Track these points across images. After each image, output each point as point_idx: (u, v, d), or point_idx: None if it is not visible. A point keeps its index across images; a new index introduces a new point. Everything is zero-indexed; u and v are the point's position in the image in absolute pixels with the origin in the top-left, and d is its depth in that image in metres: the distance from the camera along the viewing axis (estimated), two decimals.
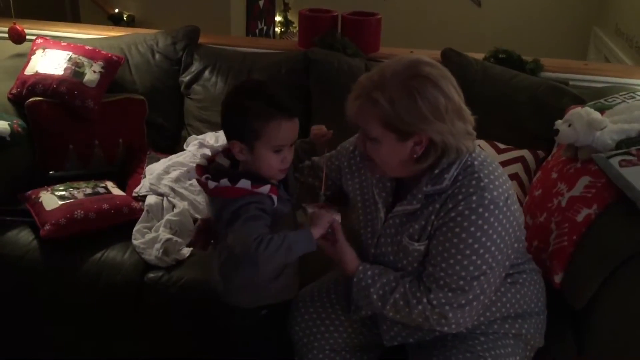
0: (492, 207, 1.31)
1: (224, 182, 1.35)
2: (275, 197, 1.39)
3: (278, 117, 1.35)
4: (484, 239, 1.32)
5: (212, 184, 1.37)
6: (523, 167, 2.11)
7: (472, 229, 1.31)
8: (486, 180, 1.33)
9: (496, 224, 1.32)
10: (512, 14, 5.11)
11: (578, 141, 1.78)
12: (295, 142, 1.43)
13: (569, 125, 1.78)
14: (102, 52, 2.47)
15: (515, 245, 1.43)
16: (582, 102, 2.15)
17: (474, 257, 1.33)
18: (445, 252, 1.35)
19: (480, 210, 1.31)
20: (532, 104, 2.24)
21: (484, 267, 1.34)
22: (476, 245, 1.32)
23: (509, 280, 1.49)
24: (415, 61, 1.32)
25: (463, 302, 1.35)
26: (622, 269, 1.55)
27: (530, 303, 1.54)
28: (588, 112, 1.77)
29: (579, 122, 1.76)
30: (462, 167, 1.35)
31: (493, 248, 1.33)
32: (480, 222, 1.31)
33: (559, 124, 1.83)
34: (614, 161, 1.64)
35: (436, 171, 1.37)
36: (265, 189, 1.37)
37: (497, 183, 1.34)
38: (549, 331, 1.59)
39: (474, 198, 1.31)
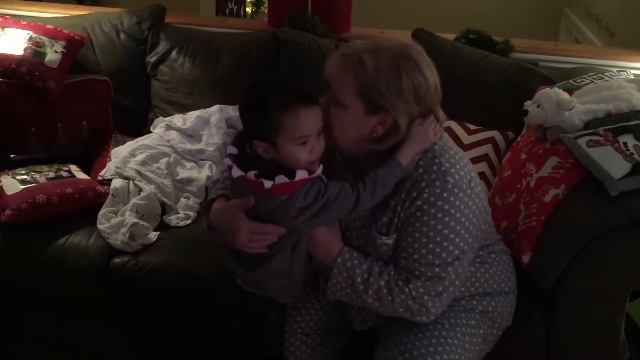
0: (456, 190, 1.31)
1: (280, 178, 1.24)
2: (323, 176, 1.31)
3: (295, 106, 1.24)
4: (452, 224, 1.31)
5: (268, 184, 1.24)
6: (493, 147, 2.11)
7: (440, 215, 1.31)
8: (447, 165, 1.32)
9: (462, 207, 1.32)
10: None
11: (547, 122, 1.78)
12: (321, 130, 1.31)
13: (538, 106, 1.78)
14: (64, 31, 2.40)
15: (483, 226, 1.43)
16: (551, 82, 2.15)
17: (445, 244, 1.32)
18: (416, 243, 1.34)
19: (445, 195, 1.30)
20: (502, 84, 2.24)
21: (456, 252, 1.33)
22: (446, 231, 1.31)
23: (477, 260, 1.50)
24: (411, 46, 1.32)
25: (440, 289, 1.35)
26: (589, 248, 1.56)
27: (500, 282, 1.54)
28: (557, 92, 1.77)
29: (547, 102, 1.76)
30: (422, 153, 1.34)
31: (463, 231, 1.33)
32: (447, 207, 1.30)
33: (528, 104, 1.83)
34: (582, 141, 1.65)
35: None
36: (319, 170, 1.29)
37: (458, 167, 1.33)
38: (517, 310, 1.60)
39: (437, 184, 1.30)
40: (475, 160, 2.06)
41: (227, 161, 1.31)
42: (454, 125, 2.17)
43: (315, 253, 1.43)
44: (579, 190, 1.65)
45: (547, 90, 1.81)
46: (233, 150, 1.33)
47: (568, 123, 1.75)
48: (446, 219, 1.31)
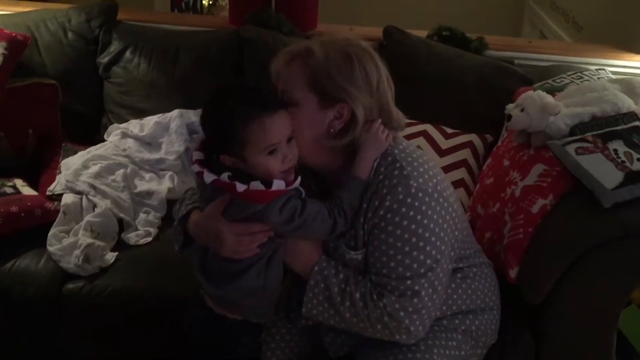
0: (420, 194, 1.22)
1: (256, 184, 1.17)
2: (301, 188, 1.23)
3: (259, 116, 1.17)
4: (420, 231, 1.23)
5: (240, 187, 1.17)
6: (472, 152, 2.03)
7: (405, 222, 1.22)
8: (409, 169, 1.24)
9: (430, 212, 1.23)
10: None
11: (531, 127, 1.69)
12: (291, 135, 1.24)
13: (522, 110, 1.69)
14: (5, 30, 2.23)
15: (457, 234, 1.34)
16: (529, 82, 2.10)
17: (415, 253, 1.23)
18: (384, 256, 1.25)
19: (409, 200, 1.22)
20: (478, 84, 2.17)
21: (428, 261, 1.24)
22: (414, 239, 1.23)
23: (458, 275, 1.41)
24: (357, 41, 1.28)
25: (419, 305, 1.26)
26: (581, 262, 1.49)
27: (484, 298, 1.46)
28: (541, 96, 1.68)
29: (532, 106, 1.67)
30: (382, 157, 1.28)
31: (433, 239, 1.24)
32: (412, 213, 1.22)
33: (511, 108, 1.74)
34: (570, 149, 1.57)
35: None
36: (297, 182, 1.22)
37: (421, 170, 1.25)
38: (505, 326, 1.52)
39: (400, 189, 1.22)
40: (454, 166, 1.99)
41: (195, 168, 1.23)
42: (429, 128, 2.08)
43: (293, 262, 1.34)
44: (568, 201, 1.57)
45: (530, 93, 1.72)
46: (199, 155, 1.25)
47: (553, 128, 1.67)
48: (413, 227, 1.22)
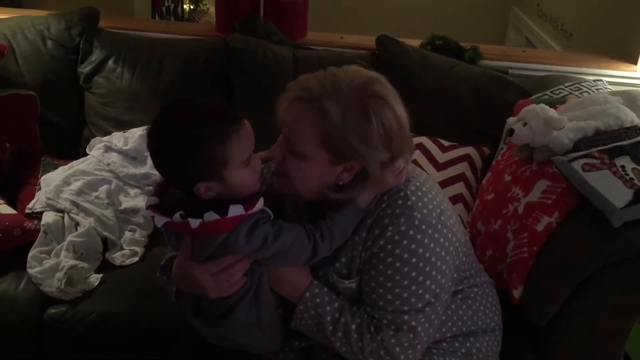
0: (424, 227, 1.18)
1: (210, 215, 1.08)
2: (268, 210, 1.16)
3: (234, 129, 1.11)
4: (421, 265, 1.18)
5: (194, 222, 1.09)
6: (469, 165, 1.98)
7: (406, 255, 1.17)
8: (413, 198, 1.19)
9: (432, 245, 1.18)
10: None
11: (534, 141, 1.64)
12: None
13: (524, 124, 1.64)
14: None
15: (457, 261, 1.29)
16: (526, 93, 2.06)
17: (414, 287, 1.18)
18: (381, 288, 1.20)
19: (412, 232, 1.17)
20: (474, 95, 2.12)
21: (427, 296, 1.20)
22: (414, 274, 1.18)
23: (459, 296, 1.36)
24: (374, 78, 1.17)
25: (415, 341, 1.21)
26: (589, 283, 1.44)
27: (485, 319, 1.41)
28: (544, 110, 1.64)
29: (535, 120, 1.62)
30: None
31: (434, 273, 1.19)
32: (413, 246, 1.17)
33: (513, 122, 1.69)
34: (576, 165, 1.52)
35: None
36: (259, 204, 1.13)
37: (426, 199, 1.20)
38: (508, 349, 1.47)
39: (402, 220, 1.17)
40: (451, 181, 1.94)
41: (148, 213, 1.14)
42: (426, 141, 2.02)
43: (280, 288, 1.27)
44: (574, 219, 1.53)
45: (533, 107, 1.68)
46: (154, 201, 1.17)
47: (556, 143, 1.62)
48: (414, 260, 1.17)
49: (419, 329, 1.20)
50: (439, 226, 1.20)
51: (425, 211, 1.19)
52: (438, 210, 1.21)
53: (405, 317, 1.19)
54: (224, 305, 1.21)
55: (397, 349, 1.20)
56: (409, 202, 1.19)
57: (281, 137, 1.19)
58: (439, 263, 1.20)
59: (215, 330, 1.25)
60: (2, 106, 2.09)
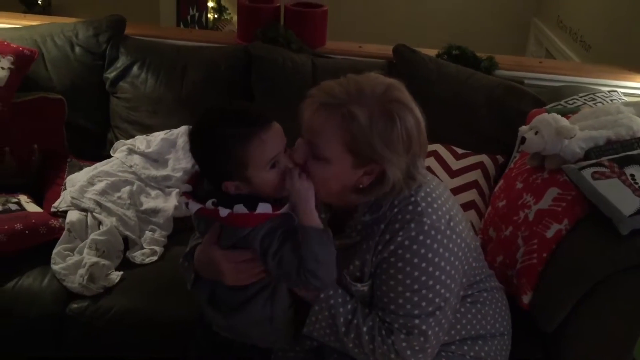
0: (433, 232, 1.20)
1: (239, 208, 1.14)
2: (294, 214, 1.20)
3: (255, 133, 1.14)
4: (431, 269, 1.20)
5: (224, 212, 1.15)
6: (483, 173, 1.99)
7: (416, 260, 1.19)
8: (423, 204, 1.21)
9: (441, 250, 1.20)
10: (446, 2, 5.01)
11: (545, 150, 1.66)
12: (286, 145, 1.21)
13: (536, 133, 1.67)
14: (12, 45, 2.19)
15: (466, 267, 1.31)
16: (541, 103, 2.07)
17: (424, 292, 1.20)
18: (392, 292, 1.22)
19: (421, 238, 1.19)
20: (489, 105, 2.14)
21: (437, 300, 1.22)
22: (424, 278, 1.20)
23: (468, 300, 1.38)
24: (393, 85, 1.20)
25: (426, 345, 1.23)
26: (597, 289, 1.46)
27: (494, 323, 1.43)
28: (556, 118, 1.66)
29: (546, 129, 1.65)
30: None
31: (444, 277, 1.21)
32: (423, 251, 1.19)
33: (525, 130, 1.71)
34: (586, 173, 1.54)
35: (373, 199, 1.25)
36: (286, 207, 1.19)
37: (435, 205, 1.22)
38: (518, 353, 1.49)
39: (412, 225, 1.20)
40: (465, 188, 1.96)
41: (183, 199, 1.23)
42: (440, 148, 2.05)
43: (297, 289, 1.30)
44: (584, 226, 1.55)
45: (545, 115, 1.70)
46: (187, 188, 1.24)
47: (568, 151, 1.64)
48: (423, 265, 1.20)
49: (430, 332, 1.22)
50: (448, 232, 1.21)
51: (434, 217, 1.21)
52: (447, 217, 1.23)
53: (416, 321, 1.21)
54: (240, 297, 1.24)
55: (408, 352, 1.22)
56: (419, 208, 1.21)
57: (300, 141, 1.22)
58: (448, 268, 1.22)
59: (228, 322, 1.29)
60: (31, 108, 2.15)
